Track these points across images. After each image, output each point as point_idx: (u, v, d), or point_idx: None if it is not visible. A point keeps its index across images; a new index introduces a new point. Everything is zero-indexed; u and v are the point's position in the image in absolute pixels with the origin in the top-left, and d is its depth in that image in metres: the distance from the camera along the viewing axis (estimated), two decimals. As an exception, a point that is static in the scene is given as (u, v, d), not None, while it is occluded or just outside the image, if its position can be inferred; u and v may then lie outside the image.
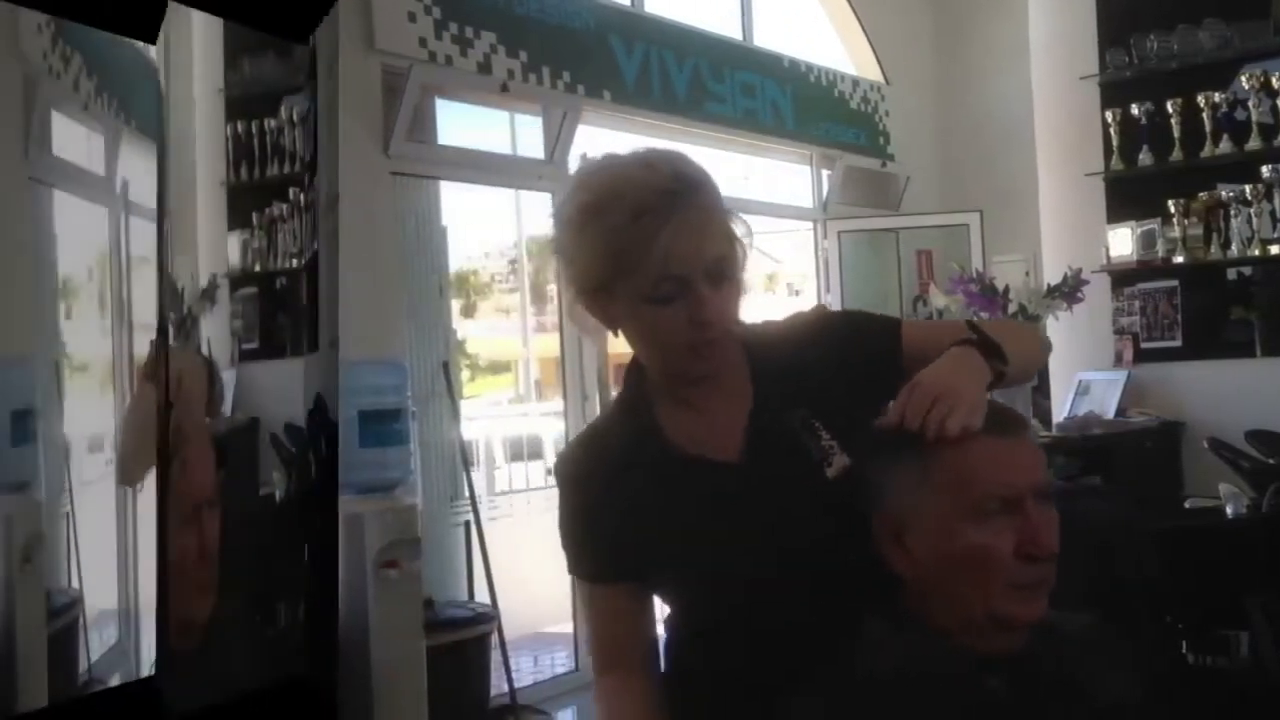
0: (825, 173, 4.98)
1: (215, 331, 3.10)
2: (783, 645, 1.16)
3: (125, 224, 4.47)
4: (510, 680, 3.32)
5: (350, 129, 2.85)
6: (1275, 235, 3.82)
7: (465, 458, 3.68)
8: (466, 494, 3.53)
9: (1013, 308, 4.23)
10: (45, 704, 2.55)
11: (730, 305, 1.19)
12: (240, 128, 5.28)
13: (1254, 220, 3.88)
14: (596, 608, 1.28)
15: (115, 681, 3.81)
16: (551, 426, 5.94)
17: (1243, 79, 3.93)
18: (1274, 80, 3.83)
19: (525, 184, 4.04)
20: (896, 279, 5.06)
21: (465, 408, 3.55)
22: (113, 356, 4.59)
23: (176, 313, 4.77)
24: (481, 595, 3.47)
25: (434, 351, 3.57)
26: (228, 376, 5.30)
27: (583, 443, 1.33)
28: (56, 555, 3.82)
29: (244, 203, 5.39)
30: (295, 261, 4.76)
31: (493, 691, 3.37)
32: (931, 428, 1.09)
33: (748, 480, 1.19)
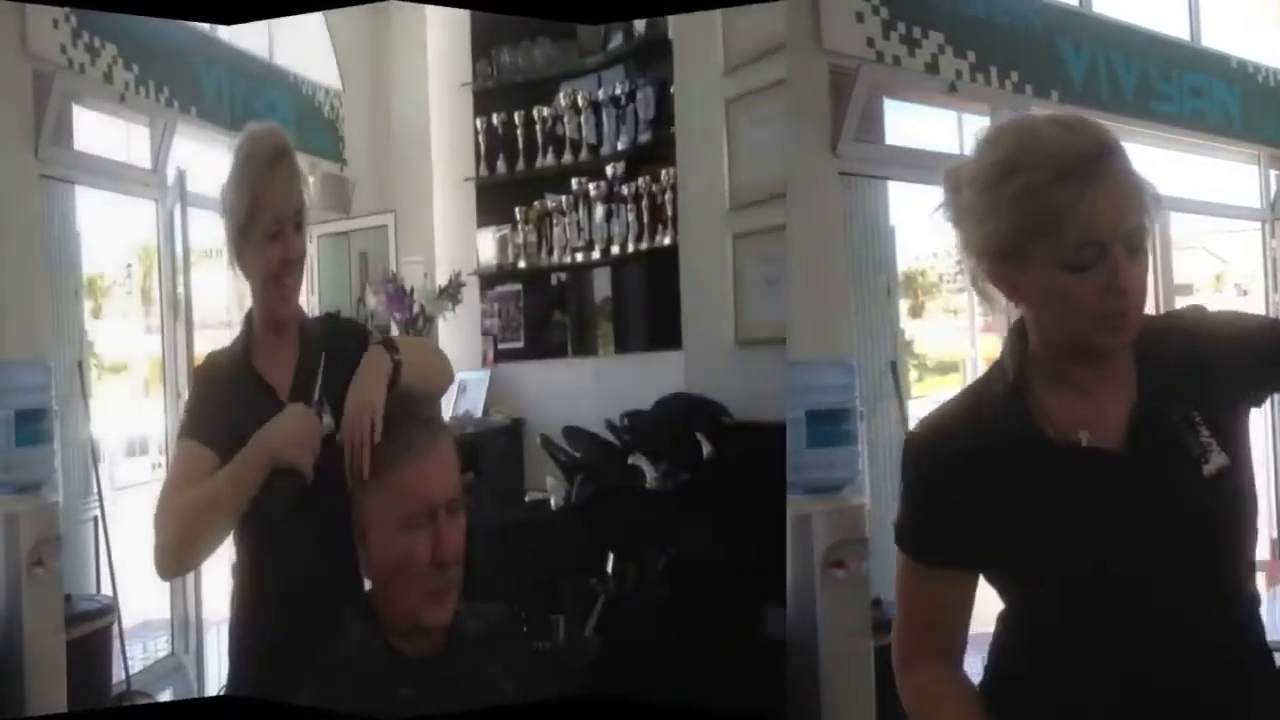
0: (1274, 173, 4.76)
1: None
2: (1136, 649, 1.10)
3: (183, 216, 3.63)
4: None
5: (799, 130, 2.84)
6: (580, 243, 4.08)
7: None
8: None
9: (416, 308, 4.26)
10: (64, 709, 2.65)
11: (1145, 276, 1.12)
12: (497, 120, 4.49)
13: (568, 229, 4.13)
14: (925, 592, 1.21)
15: (166, 696, 3.61)
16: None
17: (561, 96, 4.18)
18: (579, 98, 4.10)
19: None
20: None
21: (912, 408, 3.21)
22: (162, 355, 3.86)
23: (404, 313, 4.01)
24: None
25: (882, 351, 3.37)
26: (477, 376, 4.52)
27: (947, 415, 1.22)
28: (81, 560, 3.47)
29: (501, 198, 4.52)
30: (580, 256, 4.03)
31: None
32: None
33: (1128, 471, 1.13)
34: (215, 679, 3.77)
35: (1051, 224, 1.08)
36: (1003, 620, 1.22)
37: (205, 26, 4.05)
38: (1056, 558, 1.11)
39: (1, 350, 2.97)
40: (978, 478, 1.14)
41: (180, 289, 3.85)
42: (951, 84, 3.25)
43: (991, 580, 1.18)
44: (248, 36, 4.38)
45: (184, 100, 3.82)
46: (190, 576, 3.62)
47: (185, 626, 3.84)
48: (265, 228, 1.52)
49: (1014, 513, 1.12)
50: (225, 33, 4.17)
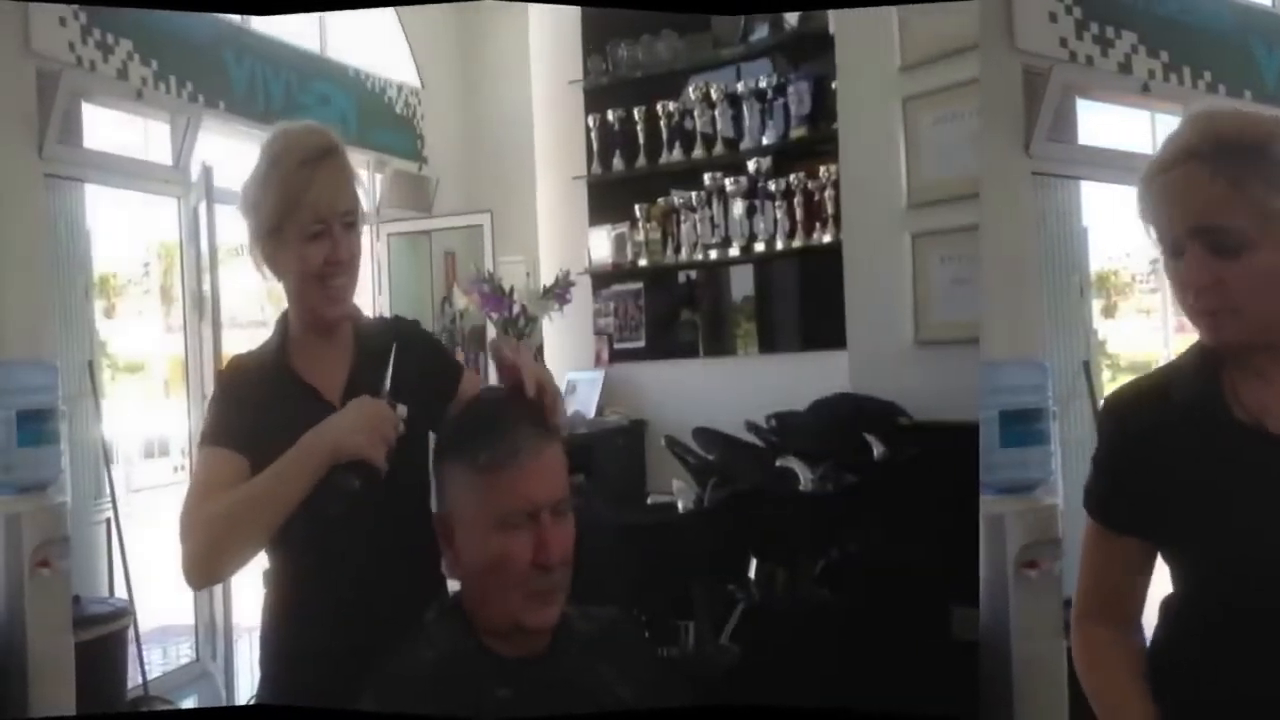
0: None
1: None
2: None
3: (209, 213, 3.54)
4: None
5: (991, 130, 2.85)
6: (715, 240, 4.00)
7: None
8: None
9: (516, 308, 4.18)
10: (72, 711, 2.64)
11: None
12: (613, 116, 4.40)
13: (698, 226, 4.05)
14: (1104, 554, 1.24)
15: (189, 703, 3.56)
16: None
17: (690, 90, 4.10)
18: (712, 91, 4.02)
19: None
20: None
21: (1105, 408, 2.97)
22: (185, 355, 3.78)
23: (502, 312, 3.93)
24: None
25: (1074, 351, 3.37)
26: (589, 376, 4.47)
27: (1143, 387, 1.24)
28: (91, 562, 3.46)
29: (617, 195, 4.43)
30: (715, 253, 3.95)
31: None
32: None
33: None
34: (247, 686, 3.74)
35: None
36: (1169, 606, 1.23)
37: (235, 18, 4.00)
38: (1236, 540, 1.12)
39: (3, 350, 2.96)
40: (1165, 449, 1.16)
41: (206, 287, 3.74)
42: (1145, 84, 3.26)
43: (1167, 557, 1.20)
44: (292, 29, 4.34)
45: (210, 95, 3.78)
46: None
47: (211, 632, 3.78)
48: (305, 228, 1.43)
49: (1198, 488, 1.13)
50: (260, 24, 4.12)
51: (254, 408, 1.43)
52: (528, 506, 1.18)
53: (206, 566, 1.36)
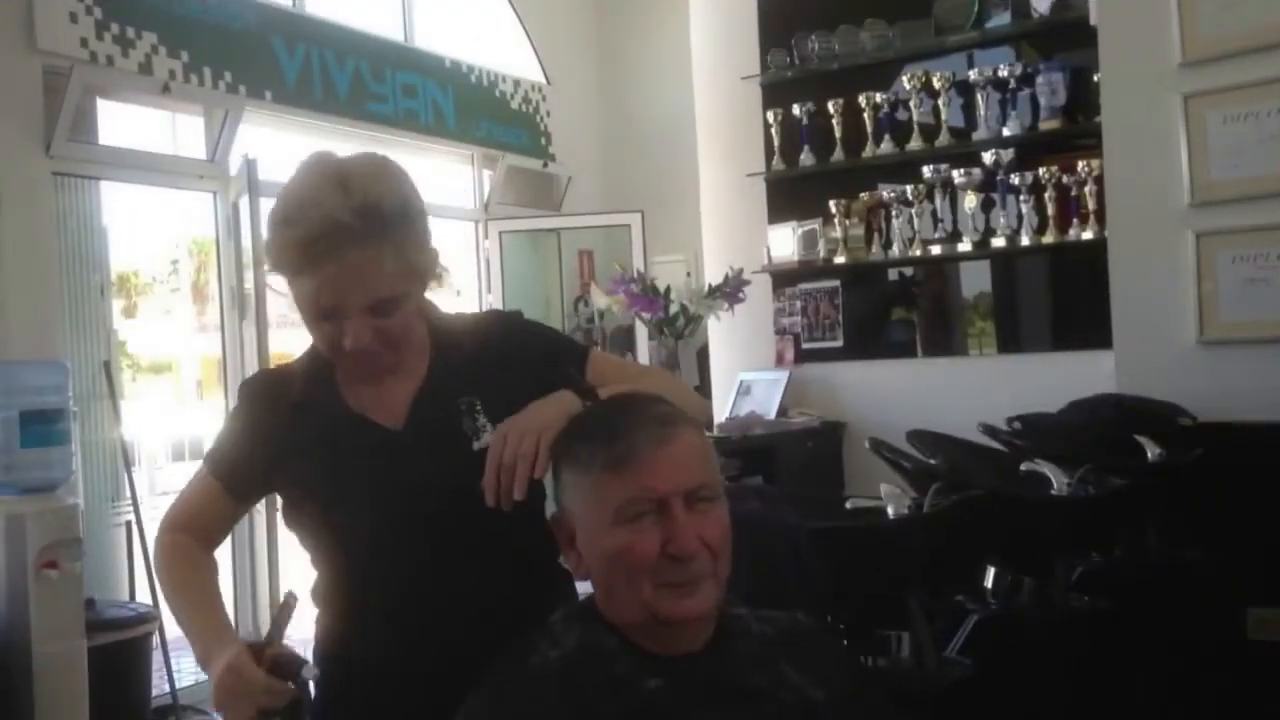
0: (487, 173, 4.81)
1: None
2: None
3: (252, 207, 3.41)
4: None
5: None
6: (936, 236, 3.88)
7: None
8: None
9: (674, 308, 4.02)
10: (85, 716, 2.61)
11: None
12: (800, 110, 4.22)
13: (915, 220, 3.93)
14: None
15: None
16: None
17: (904, 79, 3.98)
18: (935, 80, 3.91)
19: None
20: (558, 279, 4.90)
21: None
22: (222, 355, 3.69)
23: (654, 312, 3.79)
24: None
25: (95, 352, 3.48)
26: (769, 377, 4.31)
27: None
28: (107, 565, 3.42)
29: (800, 192, 4.29)
30: (940, 249, 3.77)
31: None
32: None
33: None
34: None
35: None
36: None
37: (286, 3, 3.94)
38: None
39: (8, 349, 2.97)
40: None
41: (248, 285, 3.59)
42: (165, 85, 3.40)
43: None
44: (370, 18, 4.28)
45: (254, 85, 3.72)
46: (262, 591, 3.57)
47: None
48: (311, 309, 1.23)
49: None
50: (313, 8, 4.03)
51: (266, 434, 1.31)
52: (651, 496, 1.13)
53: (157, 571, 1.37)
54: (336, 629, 1.33)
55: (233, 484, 1.35)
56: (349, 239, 1.18)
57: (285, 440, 1.31)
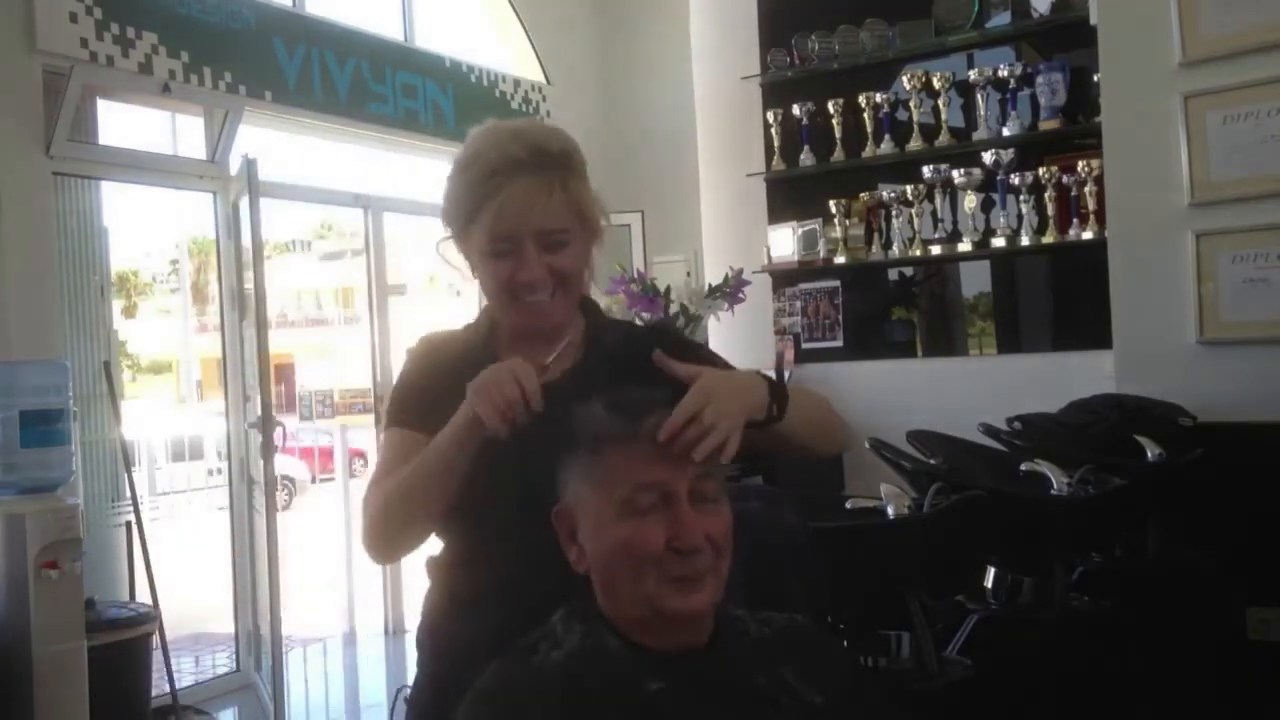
0: None
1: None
2: None
3: (253, 207, 3.36)
4: None
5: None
6: (936, 236, 3.88)
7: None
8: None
9: (674, 308, 4.01)
10: (85, 715, 2.60)
11: None
12: (800, 110, 4.21)
13: (915, 220, 3.93)
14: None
15: (228, 715, 3.47)
16: None
17: (904, 79, 3.98)
18: (935, 80, 3.91)
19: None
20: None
21: None
22: (222, 354, 3.65)
23: (654, 312, 3.65)
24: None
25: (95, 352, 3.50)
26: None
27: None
28: (107, 565, 3.41)
29: (800, 192, 4.28)
30: (940, 249, 3.77)
31: None
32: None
33: None
34: (300, 699, 3.72)
35: None
36: None
37: (286, 3, 3.94)
38: None
39: (7, 350, 2.97)
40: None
41: (249, 285, 3.59)
42: (165, 85, 3.37)
43: None
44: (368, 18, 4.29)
45: (254, 85, 3.71)
46: (263, 592, 3.52)
47: (254, 641, 3.67)
48: (485, 245, 1.31)
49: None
50: (313, 8, 4.03)
51: (447, 390, 1.30)
52: (656, 487, 1.12)
53: (380, 540, 1.32)
54: (442, 605, 1.36)
55: (426, 425, 1.32)
56: (519, 170, 1.29)
57: (455, 392, 1.28)
